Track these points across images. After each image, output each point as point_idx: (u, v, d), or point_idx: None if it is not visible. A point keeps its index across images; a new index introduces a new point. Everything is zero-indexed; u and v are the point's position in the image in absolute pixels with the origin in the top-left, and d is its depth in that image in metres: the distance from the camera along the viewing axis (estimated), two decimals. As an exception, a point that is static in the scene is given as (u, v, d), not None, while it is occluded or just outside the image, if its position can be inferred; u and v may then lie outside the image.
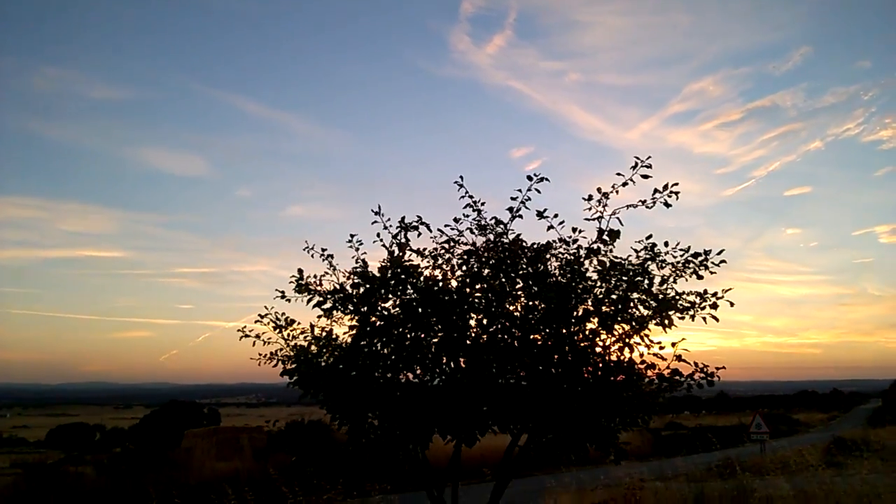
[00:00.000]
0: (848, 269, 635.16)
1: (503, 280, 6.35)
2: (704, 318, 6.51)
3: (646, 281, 6.42)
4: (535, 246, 6.51)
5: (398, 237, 6.72)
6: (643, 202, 6.36)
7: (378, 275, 6.48)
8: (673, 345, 6.45)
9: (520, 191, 6.53)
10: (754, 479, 12.51)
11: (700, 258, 6.41)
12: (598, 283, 6.41)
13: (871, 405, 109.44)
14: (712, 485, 13.49)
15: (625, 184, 6.27)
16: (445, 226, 6.81)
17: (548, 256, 6.50)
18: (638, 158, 6.21)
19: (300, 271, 6.80)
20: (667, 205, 6.34)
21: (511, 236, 6.61)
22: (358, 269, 6.67)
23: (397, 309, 6.41)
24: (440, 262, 6.76)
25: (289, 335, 6.81)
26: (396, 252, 6.56)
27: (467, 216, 6.70)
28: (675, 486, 14.35)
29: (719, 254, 6.42)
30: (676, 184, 6.28)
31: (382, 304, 6.45)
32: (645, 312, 6.42)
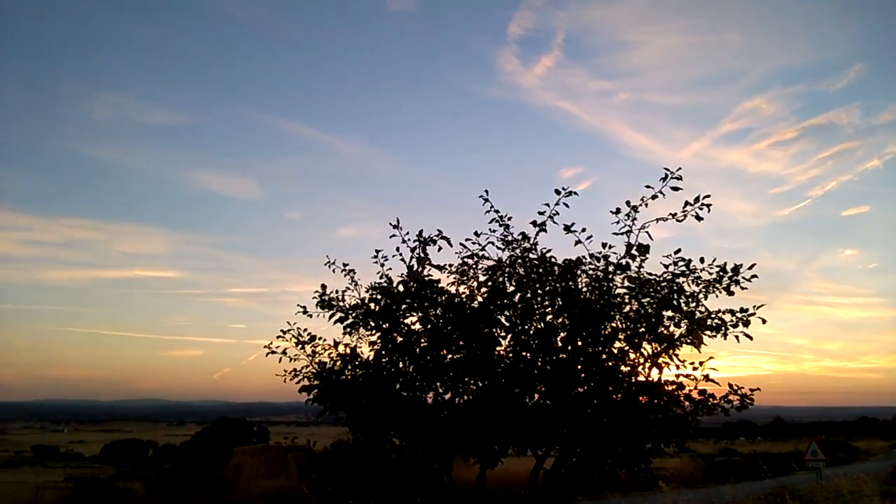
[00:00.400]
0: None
1: (528, 296, 6.22)
2: (737, 337, 6.29)
3: (679, 298, 6.23)
4: (566, 262, 6.36)
5: (416, 251, 6.60)
6: (673, 215, 6.14)
7: (401, 290, 6.37)
8: (700, 364, 6.24)
9: (547, 205, 6.31)
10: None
11: (730, 274, 6.19)
12: (628, 300, 6.23)
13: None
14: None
15: (654, 196, 6.08)
16: (467, 240, 6.70)
17: (578, 272, 6.34)
18: (668, 170, 6.00)
19: (323, 287, 6.63)
20: (698, 217, 6.14)
21: (539, 251, 6.51)
22: (379, 285, 6.53)
23: (419, 325, 6.29)
24: (465, 277, 6.66)
25: (312, 351, 6.76)
26: (416, 266, 6.49)
27: (493, 231, 6.60)
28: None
29: (750, 268, 6.19)
30: (708, 195, 6.11)
31: (403, 321, 6.33)
32: (676, 331, 6.23)
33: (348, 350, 6.51)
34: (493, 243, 6.48)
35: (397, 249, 6.43)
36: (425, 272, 6.29)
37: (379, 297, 6.26)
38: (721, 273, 6.08)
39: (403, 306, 6.13)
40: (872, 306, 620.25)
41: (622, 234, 6.15)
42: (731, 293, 6.14)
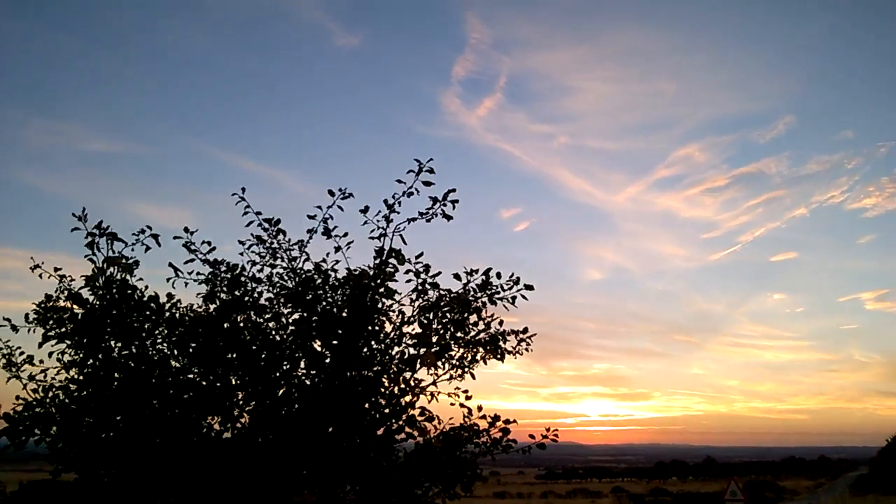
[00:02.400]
0: (834, 335, 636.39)
1: (267, 314, 5.61)
2: (509, 353, 5.96)
3: (473, 318, 5.80)
4: (350, 273, 5.66)
5: (95, 246, 5.36)
6: (423, 214, 5.56)
7: (91, 298, 5.35)
8: (464, 394, 5.83)
9: (319, 207, 5.61)
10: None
11: (486, 280, 5.74)
12: (412, 319, 5.77)
13: (859, 472, 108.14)
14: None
15: (410, 194, 5.45)
16: (206, 242, 5.78)
17: (323, 285, 5.64)
18: (419, 161, 5.39)
19: (47, 297, 5.46)
20: (447, 217, 5.56)
21: (313, 262, 5.80)
22: (66, 288, 5.45)
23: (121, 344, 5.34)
24: (216, 289, 5.75)
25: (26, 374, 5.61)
26: (108, 268, 5.42)
27: (263, 240, 5.75)
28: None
29: (512, 276, 5.74)
30: (453, 190, 5.52)
31: (111, 340, 5.33)
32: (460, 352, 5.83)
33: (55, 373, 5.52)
34: (256, 252, 5.67)
35: (91, 245, 5.30)
36: (126, 277, 5.30)
37: (65, 304, 5.30)
38: (485, 280, 5.59)
39: (108, 319, 5.19)
40: (800, 349, 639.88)
41: (376, 237, 5.49)
42: (493, 303, 5.67)
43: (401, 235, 5.55)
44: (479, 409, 5.84)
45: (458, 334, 5.84)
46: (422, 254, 5.73)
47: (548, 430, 5.72)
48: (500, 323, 5.99)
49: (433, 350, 5.70)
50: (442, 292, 5.82)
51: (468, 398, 5.93)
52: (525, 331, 6.14)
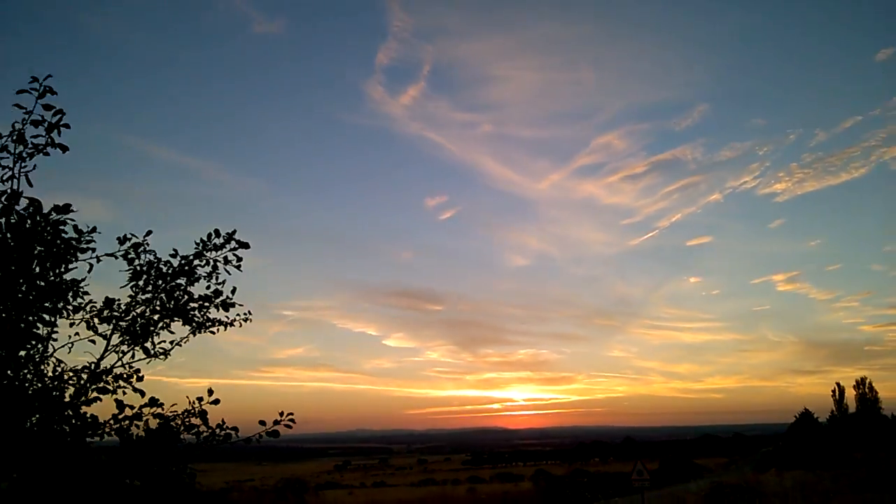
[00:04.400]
0: (748, 316, 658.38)
1: None
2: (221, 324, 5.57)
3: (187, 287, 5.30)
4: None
5: None
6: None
7: None
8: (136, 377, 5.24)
9: None
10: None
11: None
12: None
13: (766, 449, 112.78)
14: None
15: (36, 122, 4.57)
16: None
17: None
18: (35, 78, 4.55)
19: None
20: (62, 147, 4.74)
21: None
22: None
23: None
24: None
25: None
26: None
27: None
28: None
29: (232, 234, 5.39)
30: (62, 112, 4.64)
31: None
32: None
33: None
34: None
35: None
36: None
37: None
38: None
39: None
40: (715, 330, 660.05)
41: (5, 180, 4.59)
42: (213, 266, 5.40)
43: (27, 176, 4.63)
44: (210, 392, 5.17)
45: (170, 305, 5.37)
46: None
47: (282, 414, 5.09)
48: (234, 291, 5.57)
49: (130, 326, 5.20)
50: (157, 258, 5.37)
51: (212, 395, 5.20)
52: (234, 291, 5.58)
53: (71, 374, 5.05)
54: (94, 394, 5.02)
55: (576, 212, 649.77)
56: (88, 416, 4.89)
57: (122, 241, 5.30)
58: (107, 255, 5.15)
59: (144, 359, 5.41)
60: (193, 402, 5.09)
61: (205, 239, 5.38)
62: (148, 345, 5.39)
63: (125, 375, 5.25)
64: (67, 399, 4.87)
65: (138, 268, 5.32)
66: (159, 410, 5.09)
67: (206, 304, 5.48)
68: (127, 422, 4.99)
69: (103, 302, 5.33)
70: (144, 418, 5.04)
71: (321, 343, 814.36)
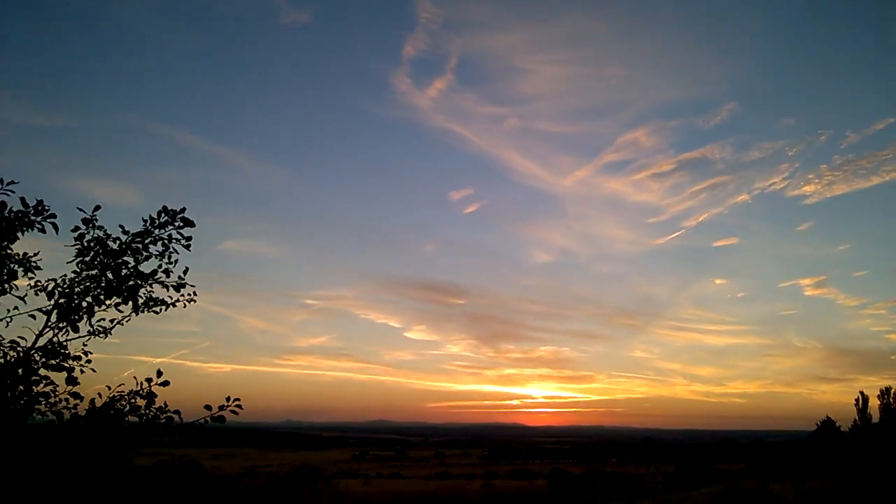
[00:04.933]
0: (773, 320, 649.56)
1: None
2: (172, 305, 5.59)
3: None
4: None
5: None
6: None
7: None
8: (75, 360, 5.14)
9: None
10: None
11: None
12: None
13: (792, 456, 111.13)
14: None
15: None
16: None
17: None
18: None
19: None
20: None
21: None
22: None
23: None
24: None
25: None
26: None
27: None
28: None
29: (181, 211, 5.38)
30: None
31: None
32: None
33: None
34: None
35: None
36: None
37: None
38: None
39: None
40: (739, 333, 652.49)
41: None
42: (160, 244, 5.40)
43: None
44: (159, 373, 5.09)
45: (114, 282, 5.34)
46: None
47: (228, 399, 5.01)
48: (185, 272, 5.62)
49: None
50: (106, 234, 5.34)
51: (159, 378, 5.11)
52: (186, 272, 5.65)
53: (11, 351, 5.00)
54: (45, 371, 4.97)
55: (601, 209, 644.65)
56: (36, 392, 4.83)
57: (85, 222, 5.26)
58: (46, 220, 5.12)
59: (84, 336, 5.34)
60: (142, 383, 5.00)
61: (154, 216, 5.34)
62: (83, 323, 5.30)
63: (72, 354, 5.19)
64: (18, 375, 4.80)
65: (85, 244, 5.27)
66: (105, 391, 4.99)
67: (144, 282, 5.43)
68: (63, 402, 4.94)
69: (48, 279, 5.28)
70: (91, 398, 4.95)
71: (343, 333, 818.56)
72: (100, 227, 5.30)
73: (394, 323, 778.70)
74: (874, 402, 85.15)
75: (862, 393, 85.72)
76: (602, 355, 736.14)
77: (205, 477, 22.01)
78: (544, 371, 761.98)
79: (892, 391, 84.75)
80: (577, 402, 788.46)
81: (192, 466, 23.28)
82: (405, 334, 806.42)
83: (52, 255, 5.47)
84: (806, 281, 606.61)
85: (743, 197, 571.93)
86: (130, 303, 5.46)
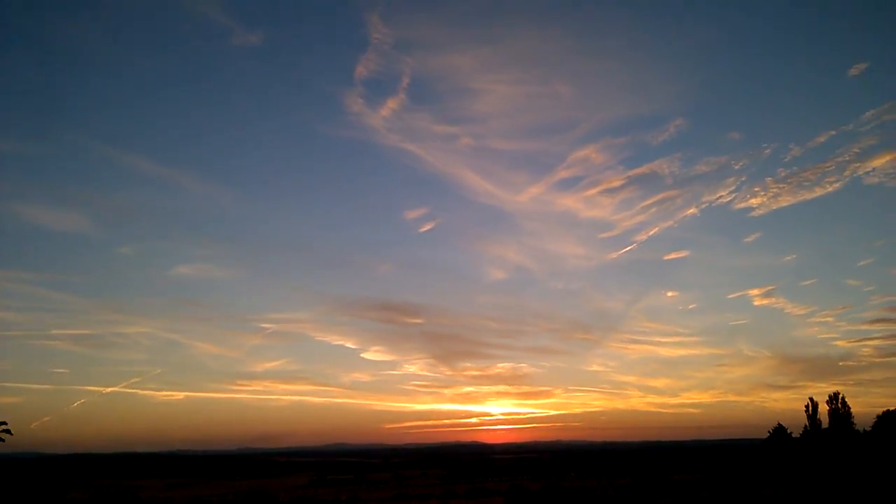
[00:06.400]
0: (724, 330, 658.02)
1: None
2: None
3: None
4: None
5: None
6: None
7: None
8: None
9: None
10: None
11: None
12: None
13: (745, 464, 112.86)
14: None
15: None
16: None
17: None
18: None
19: None
20: None
21: None
22: None
23: None
24: None
25: None
26: None
27: None
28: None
29: None
30: None
31: None
32: None
33: None
34: None
35: None
36: None
37: None
38: None
39: None
40: (692, 345, 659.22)
41: None
42: None
43: None
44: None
45: None
46: None
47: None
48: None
49: None
50: None
51: None
52: None
53: None
54: None
55: (554, 225, 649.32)
56: None
57: None
58: None
59: None
60: None
61: None
62: None
63: None
64: None
65: None
66: None
67: None
68: None
69: None
70: None
71: (299, 356, 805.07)
72: None
73: (350, 344, 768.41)
74: (823, 408, 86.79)
75: (811, 399, 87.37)
76: (559, 370, 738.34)
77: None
78: (502, 388, 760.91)
79: (840, 396, 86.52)
80: (535, 417, 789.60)
81: (129, 498, 22.54)
82: (362, 355, 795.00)
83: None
84: (755, 291, 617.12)
85: (692, 210, 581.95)
86: None
